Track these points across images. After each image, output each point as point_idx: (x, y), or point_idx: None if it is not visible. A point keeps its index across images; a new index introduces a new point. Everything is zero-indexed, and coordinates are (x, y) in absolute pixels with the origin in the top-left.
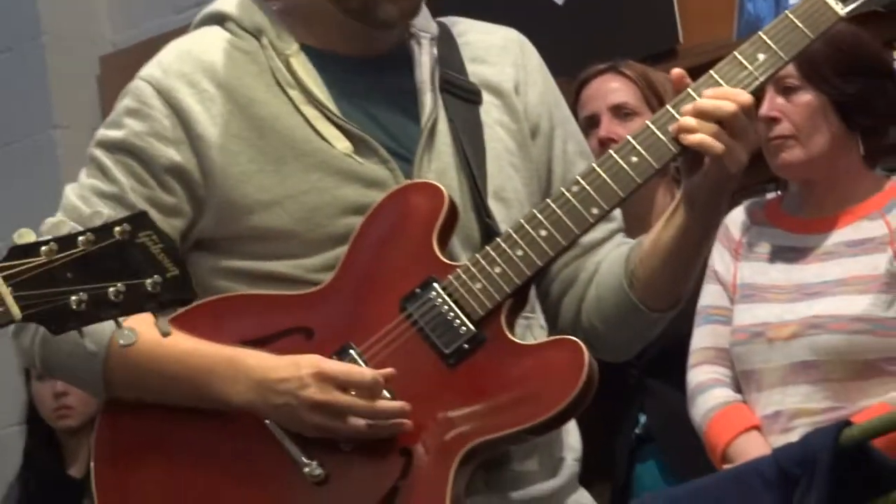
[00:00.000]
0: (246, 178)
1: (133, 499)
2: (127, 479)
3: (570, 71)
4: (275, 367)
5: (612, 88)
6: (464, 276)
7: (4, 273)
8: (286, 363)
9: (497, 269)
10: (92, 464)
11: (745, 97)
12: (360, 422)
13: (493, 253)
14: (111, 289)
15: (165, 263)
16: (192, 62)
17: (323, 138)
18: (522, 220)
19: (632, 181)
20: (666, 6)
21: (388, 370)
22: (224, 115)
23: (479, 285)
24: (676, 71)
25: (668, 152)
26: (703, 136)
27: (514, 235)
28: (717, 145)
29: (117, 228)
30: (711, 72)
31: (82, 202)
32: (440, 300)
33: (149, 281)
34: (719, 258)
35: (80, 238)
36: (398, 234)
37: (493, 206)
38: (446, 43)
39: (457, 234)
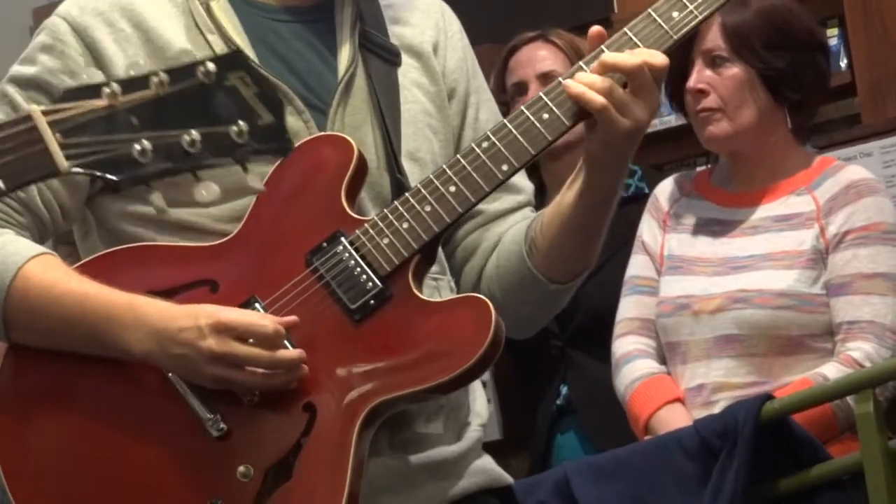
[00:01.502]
0: None
1: (29, 448)
2: (24, 428)
3: (500, 37)
4: (173, 316)
5: (541, 56)
6: (371, 231)
7: (51, 118)
8: (185, 313)
9: (405, 225)
10: None
11: (658, 57)
12: (258, 371)
13: (401, 208)
14: (185, 136)
15: (258, 109)
16: (110, 1)
17: None
18: (432, 176)
19: (542, 138)
20: None
21: (290, 318)
22: (140, 56)
23: (386, 241)
24: (595, 28)
25: (574, 108)
26: (583, 89)
27: (423, 191)
28: (597, 99)
29: (201, 69)
30: (625, 29)
31: None
32: (347, 255)
33: (234, 128)
34: (648, 229)
35: (154, 80)
36: (306, 187)
37: (407, 165)
38: (370, 2)
39: (368, 191)
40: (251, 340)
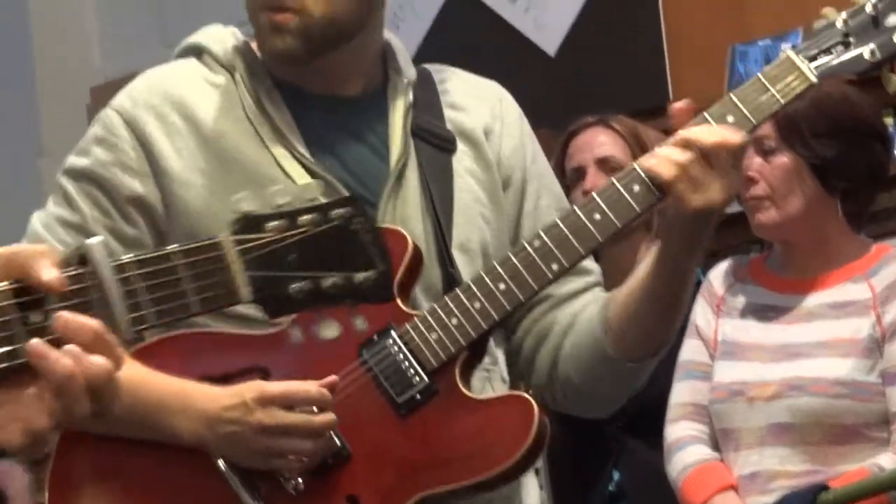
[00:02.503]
0: (209, 213)
1: None
2: None
3: (560, 122)
4: (219, 396)
5: (600, 142)
6: (420, 326)
7: (238, 248)
8: (231, 392)
9: (454, 321)
10: (46, 493)
11: (735, 137)
12: (305, 443)
13: (451, 304)
14: (329, 280)
15: (374, 257)
16: (162, 94)
17: (288, 176)
18: (482, 272)
19: (593, 238)
20: (657, 62)
21: (331, 378)
22: (190, 148)
23: (434, 336)
24: (678, 103)
25: (631, 211)
26: (655, 162)
27: (473, 287)
28: (669, 171)
29: (336, 212)
30: (705, 113)
31: (46, 230)
32: (396, 348)
33: (360, 275)
34: (701, 313)
35: (303, 217)
36: None
37: (458, 257)
38: (426, 89)
39: (419, 283)
40: (298, 410)
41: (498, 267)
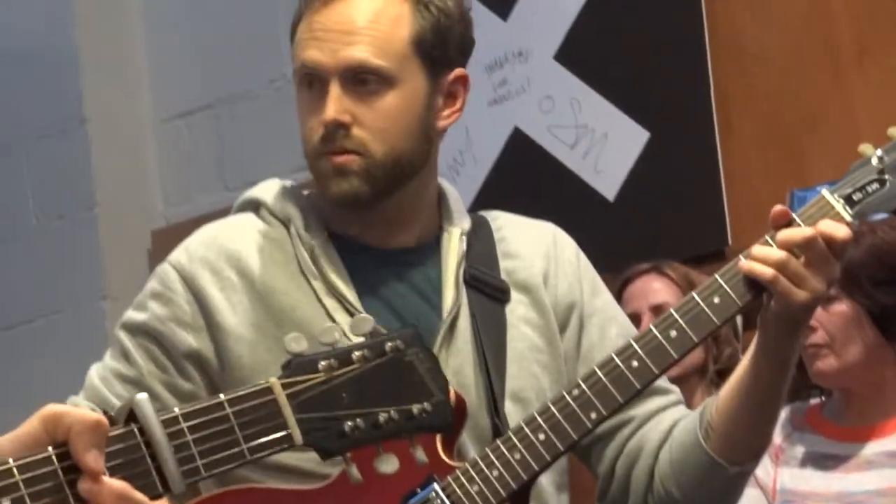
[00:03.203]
0: (262, 368)
1: None
2: None
3: (619, 267)
4: None
5: (654, 289)
6: (462, 478)
7: (288, 391)
8: None
9: (495, 472)
10: None
11: (838, 229)
12: None
13: (491, 455)
14: (384, 414)
15: (431, 387)
16: (217, 249)
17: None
18: (522, 423)
19: (631, 386)
20: (716, 207)
21: None
22: (244, 303)
23: (476, 488)
24: (777, 207)
25: (669, 357)
26: (752, 264)
27: (513, 438)
28: (766, 272)
29: (389, 345)
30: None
31: (103, 384)
32: (438, 501)
33: (416, 406)
34: (759, 463)
35: (356, 354)
36: None
37: (510, 406)
38: (481, 237)
39: (470, 432)
40: None
41: (537, 417)
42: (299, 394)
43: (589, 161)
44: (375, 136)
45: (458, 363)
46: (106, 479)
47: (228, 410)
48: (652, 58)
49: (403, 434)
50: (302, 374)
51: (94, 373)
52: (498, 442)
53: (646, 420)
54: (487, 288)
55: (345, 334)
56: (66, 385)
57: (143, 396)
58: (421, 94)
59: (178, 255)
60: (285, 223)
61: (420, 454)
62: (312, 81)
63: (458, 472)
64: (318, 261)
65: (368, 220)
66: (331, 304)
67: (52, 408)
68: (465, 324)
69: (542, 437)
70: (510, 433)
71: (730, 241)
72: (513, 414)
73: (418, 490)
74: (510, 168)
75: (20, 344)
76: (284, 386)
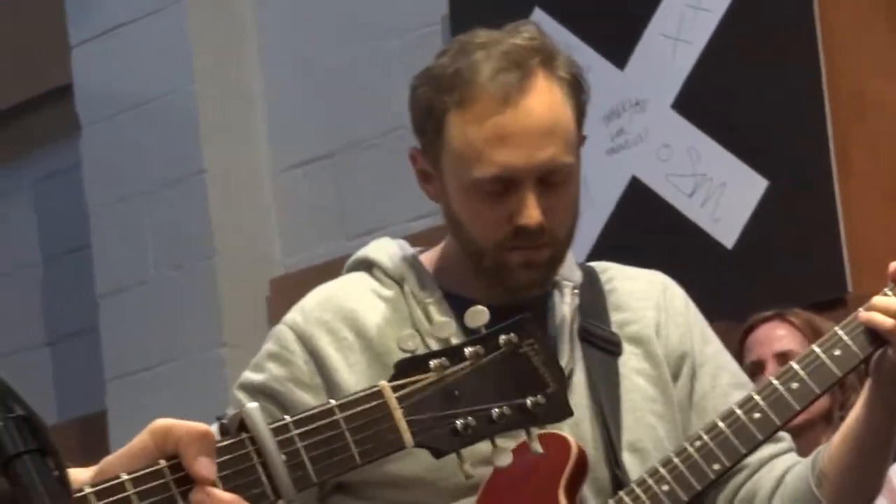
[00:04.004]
0: None
1: None
2: None
3: (738, 315)
4: None
5: (778, 336)
6: None
7: (399, 394)
8: None
9: None
10: None
11: None
12: None
13: None
14: (495, 410)
15: (546, 378)
16: (333, 309)
17: None
18: (646, 474)
19: (753, 437)
20: (835, 255)
21: None
22: (362, 363)
23: None
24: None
25: (791, 409)
26: (871, 314)
27: (637, 490)
28: (886, 321)
29: (503, 337)
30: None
31: None
32: None
33: (530, 400)
34: None
35: (468, 350)
36: (526, 485)
37: (628, 457)
38: (591, 291)
39: (590, 485)
40: None
41: (660, 468)
42: (410, 395)
43: (707, 209)
44: (563, 225)
45: (576, 418)
46: (217, 490)
47: (339, 416)
48: (770, 106)
49: (520, 426)
50: (413, 374)
51: (216, 430)
52: (621, 494)
53: (759, 467)
54: (600, 341)
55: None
56: None
57: (253, 405)
58: (580, 169)
59: (294, 315)
60: (399, 282)
61: (536, 446)
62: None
63: None
64: (433, 319)
65: (473, 278)
66: None
67: (160, 421)
68: (580, 378)
69: (665, 487)
70: (633, 485)
71: (850, 288)
72: (631, 465)
73: None
74: (628, 217)
75: (140, 390)
76: (394, 388)
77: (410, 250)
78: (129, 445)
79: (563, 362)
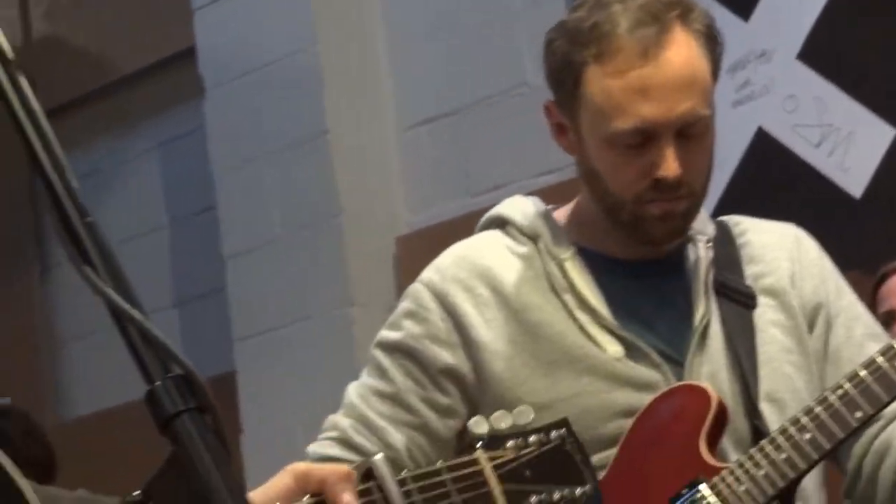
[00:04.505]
0: (519, 382)
1: None
2: None
3: (869, 265)
4: None
5: None
6: (729, 479)
7: (493, 464)
8: None
9: (761, 472)
10: None
11: None
12: None
13: (757, 456)
14: (558, 493)
15: (585, 475)
16: (468, 267)
17: (595, 343)
18: (787, 424)
19: (895, 385)
20: None
21: None
22: (498, 319)
23: (743, 488)
24: None
25: None
26: None
27: (778, 439)
28: None
29: (554, 433)
30: None
31: (362, 401)
32: (706, 502)
33: (579, 489)
34: None
35: (532, 438)
36: (666, 436)
37: (766, 408)
38: (725, 244)
39: (729, 436)
40: None
41: (801, 418)
42: (499, 467)
43: (835, 159)
44: (699, 178)
45: (712, 369)
46: None
47: (447, 476)
48: None
49: None
50: (496, 448)
51: (352, 391)
52: (763, 443)
53: (893, 417)
54: (735, 294)
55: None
56: (315, 389)
57: (380, 457)
58: (714, 121)
59: (430, 274)
60: (533, 239)
61: None
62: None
63: (724, 472)
64: (567, 275)
65: (617, 234)
66: (583, 318)
67: (299, 465)
68: (716, 331)
69: (807, 436)
70: (775, 434)
71: None
72: (769, 415)
73: (685, 491)
74: (755, 169)
75: (269, 350)
76: (488, 459)
77: (543, 207)
78: (268, 485)
79: (699, 315)
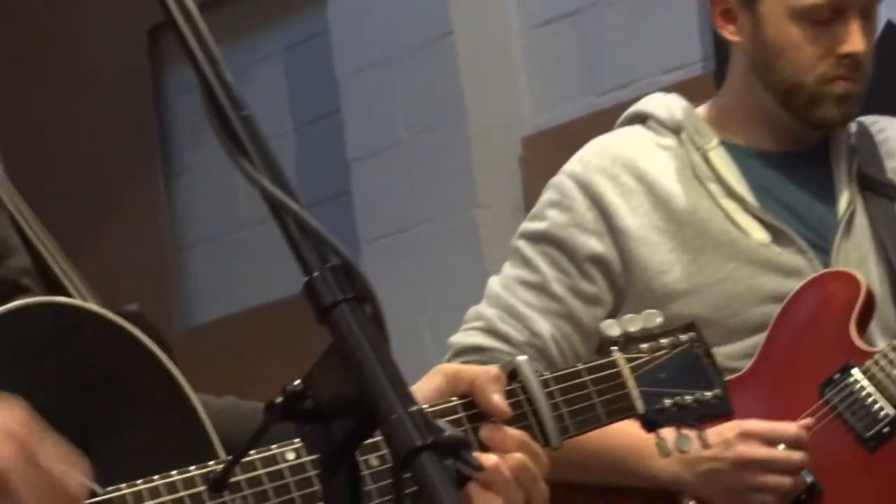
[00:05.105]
0: (665, 269)
1: None
2: None
3: None
4: None
5: None
6: (882, 362)
7: (630, 365)
8: (710, 432)
9: None
10: None
11: None
12: (783, 479)
13: None
14: (690, 396)
15: (714, 379)
16: (612, 157)
17: (740, 229)
18: None
19: None
20: None
21: (807, 420)
22: (644, 206)
23: None
24: None
25: None
26: None
27: None
28: None
29: (683, 336)
30: None
31: (506, 291)
32: (858, 385)
33: (708, 393)
34: None
35: (663, 340)
36: (815, 322)
37: None
38: (864, 140)
39: (876, 323)
40: (780, 447)
41: None
42: (636, 369)
43: None
44: (869, 62)
45: (859, 256)
46: (510, 427)
47: (586, 378)
48: None
49: (701, 417)
50: (629, 351)
51: (496, 283)
52: None
53: None
54: (878, 186)
55: (745, 233)
56: (440, 291)
57: (523, 358)
58: None
59: (573, 165)
60: (676, 132)
61: (707, 437)
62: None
63: (876, 356)
64: (712, 165)
65: (757, 127)
66: (729, 205)
67: (450, 366)
68: (861, 220)
69: None
70: None
71: None
72: None
73: (836, 376)
74: (884, 63)
75: (394, 253)
76: (626, 360)
77: (683, 102)
78: (419, 385)
79: (844, 204)
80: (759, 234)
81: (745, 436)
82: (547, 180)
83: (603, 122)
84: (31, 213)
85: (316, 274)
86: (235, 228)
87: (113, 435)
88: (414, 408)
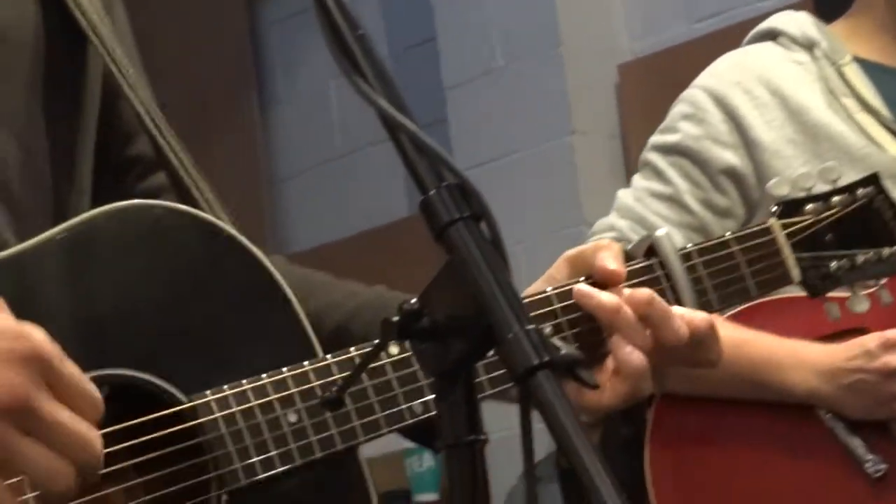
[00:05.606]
0: None
1: (684, 484)
2: (679, 468)
3: None
4: (836, 349)
5: None
6: None
7: (787, 231)
8: (849, 343)
9: None
10: (647, 453)
11: None
12: None
13: None
14: (862, 256)
15: (895, 233)
16: (745, 71)
17: (875, 143)
18: None
19: None
20: None
21: None
22: (778, 120)
23: None
24: None
25: None
26: None
27: None
28: None
29: (860, 191)
30: None
31: (637, 203)
32: None
33: (886, 250)
34: None
35: (835, 199)
36: None
37: None
38: None
39: None
40: None
41: None
42: (794, 234)
43: None
44: None
45: None
46: (629, 290)
47: (735, 248)
48: None
49: (877, 277)
50: (790, 216)
51: (626, 195)
52: None
53: None
54: None
55: (880, 147)
56: (537, 217)
57: (662, 232)
58: None
59: (705, 79)
60: (808, 48)
61: (886, 295)
62: None
63: None
64: (847, 79)
65: (889, 45)
66: (864, 119)
67: (571, 251)
68: None
69: None
70: None
71: None
72: None
73: None
74: None
75: (490, 180)
76: (782, 227)
77: (813, 18)
78: (547, 274)
79: None
80: (894, 148)
81: (888, 346)
82: (642, 107)
83: (699, 49)
84: (173, 134)
85: (432, 192)
86: (326, 161)
87: (218, 346)
88: (531, 326)
